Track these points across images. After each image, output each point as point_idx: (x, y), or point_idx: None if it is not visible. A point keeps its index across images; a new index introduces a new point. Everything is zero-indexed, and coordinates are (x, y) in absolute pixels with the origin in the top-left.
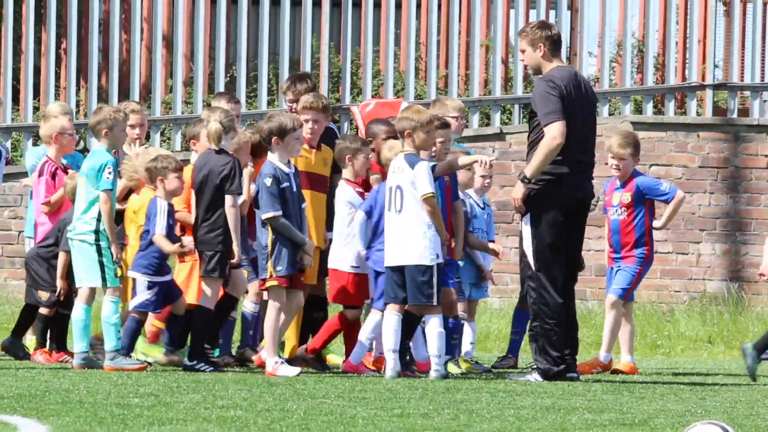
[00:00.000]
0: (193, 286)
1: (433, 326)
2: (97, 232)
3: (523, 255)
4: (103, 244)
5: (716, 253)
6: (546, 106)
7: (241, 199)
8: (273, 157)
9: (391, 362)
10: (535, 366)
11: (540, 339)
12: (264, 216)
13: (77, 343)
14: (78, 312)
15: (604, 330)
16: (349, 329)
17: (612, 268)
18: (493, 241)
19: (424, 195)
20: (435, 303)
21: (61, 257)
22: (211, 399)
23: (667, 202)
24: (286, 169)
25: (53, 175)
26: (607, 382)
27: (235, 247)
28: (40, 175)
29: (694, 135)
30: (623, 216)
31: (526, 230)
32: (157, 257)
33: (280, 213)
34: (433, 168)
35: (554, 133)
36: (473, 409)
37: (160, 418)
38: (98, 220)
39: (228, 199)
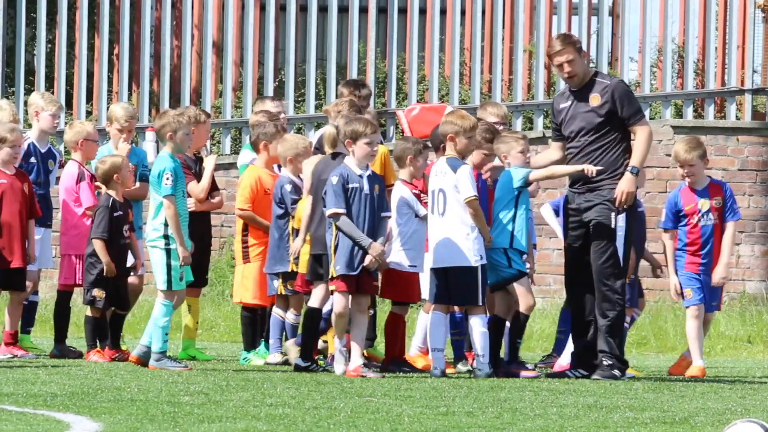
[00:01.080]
0: (254, 286)
1: (477, 326)
2: (166, 236)
3: (613, 252)
4: (173, 247)
5: (755, 254)
6: (634, 105)
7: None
8: (349, 159)
9: (436, 361)
10: (611, 362)
11: (618, 332)
12: (327, 211)
13: (145, 337)
14: None
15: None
16: (399, 326)
17: (696, 275)
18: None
19: (467, 198)
20: (480, 303)
21: (97, 245)
22: (260, 397)
23: (727, 220)
24: (357, 171)
25: (92, 178)
26: (648, 381)
27: None
28: (80, 180)
29: (733, 139)
30: (716, 221)
31: (622, 226)
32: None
33: (343, 210)
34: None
35: (650, 127)
36: (517, 408)
37: (210, 416)
38: (166, 224)
39: None
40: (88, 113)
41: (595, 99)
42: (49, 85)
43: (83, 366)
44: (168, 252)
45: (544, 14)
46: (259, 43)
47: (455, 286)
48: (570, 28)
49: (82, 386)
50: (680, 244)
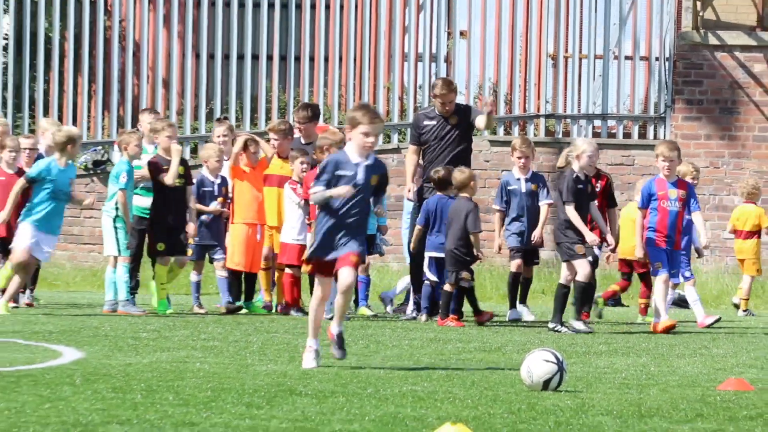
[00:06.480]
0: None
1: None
2: (116, 217)
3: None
4: (119, 225)
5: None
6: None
7: None
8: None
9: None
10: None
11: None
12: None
13: (110, 293)
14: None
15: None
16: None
17: (670, 248)
18: None
19: None
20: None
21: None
22: (197, 334)
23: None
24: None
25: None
26: (472, 323)
27: None
28: None
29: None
30: (680, 208)
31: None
32: None
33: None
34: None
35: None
36: (380, 341)
37: (161, 347)
38: (116, 207)
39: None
40: None
41: (453, 119)
42: None
43: (71, 310)
44: (116, 229)
45: (397, 60)
46: None
47: None
48: (417, 71)
49: (70, 326)
50: (651, 223)
